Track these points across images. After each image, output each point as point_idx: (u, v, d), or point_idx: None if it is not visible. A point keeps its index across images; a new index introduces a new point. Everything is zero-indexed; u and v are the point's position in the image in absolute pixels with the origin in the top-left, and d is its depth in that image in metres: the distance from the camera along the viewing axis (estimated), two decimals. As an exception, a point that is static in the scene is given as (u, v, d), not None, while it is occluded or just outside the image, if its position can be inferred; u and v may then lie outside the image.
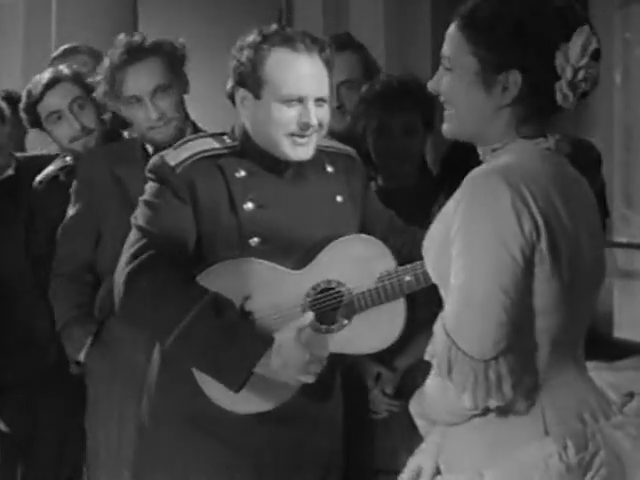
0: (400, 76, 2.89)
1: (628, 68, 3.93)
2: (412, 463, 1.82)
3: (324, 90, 2.23)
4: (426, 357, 1.63)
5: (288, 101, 2.19)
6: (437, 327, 1.60)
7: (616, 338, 3.85)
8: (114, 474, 2.79)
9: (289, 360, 2.08)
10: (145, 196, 2.25)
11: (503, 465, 1.59)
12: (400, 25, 4.45)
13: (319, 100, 2.22)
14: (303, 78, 2.20)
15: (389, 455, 2.74)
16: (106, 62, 2.73)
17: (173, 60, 2.74)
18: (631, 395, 1.65)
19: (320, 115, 2.21)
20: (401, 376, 2.71)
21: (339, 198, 2.33)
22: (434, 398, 1.65)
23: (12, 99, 3.75)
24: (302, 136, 2.21)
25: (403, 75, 2.92)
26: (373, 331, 2.28)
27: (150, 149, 2.79)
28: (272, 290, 2.20)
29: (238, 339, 2.09)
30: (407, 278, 2.24)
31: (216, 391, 2.20)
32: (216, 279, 2.18)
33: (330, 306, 2.25)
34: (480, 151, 1.69)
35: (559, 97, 1.59)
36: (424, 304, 2.72)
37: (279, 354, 2.08)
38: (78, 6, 3.98)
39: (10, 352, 2.88)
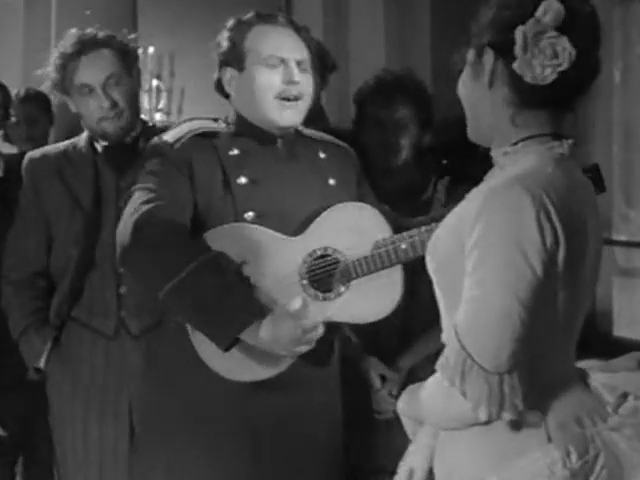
0: (396, 71, 2.91)
1: (628, 67, 3.92)
2: (404, 465, 1.83)
3: (304, 54, 2.32)
4: (437, 367, 1.60)
5: (270, 64, 2.28)
6: (450, 338, 1.58)
7: (616, 336, 3.84)
8: (84, 476, 2.79)
9: (279, 337, 2.10)
10: (145, 168, 2.29)
11: (507, 474, 1.58)
12: (400, 25, 4.45)
13: (300, 64, 2.30)
14: (283, 42, 2.30)
15: (392, 455, 2.74)
16: (55, 53, 2.74)
17: (125, 54, 2.76)
18: (625, 396, 1.64)
19: (304, 81, 2.28)
20: (405, 376, 2.71)
21: (331, 181, 2.38)
22: (438, 405, 1.64)
23: (34, 97, 3.76)
24: (289, 98, 2.26)
25: (399, 70, 2.94)
26: (371, 300, 2.30)
27: (99, 148, 2.79)
28: (269, 256, 2.22)
29: (232, 300, 2.11)
30: (403, 246, 2.26)
31: (213, 358, 2.22)
32: (213, 243, 2.20)
33: (326, 272, 2.27)
34: (492, 154, 1.68)
35: (521, 73, 1.58)
36: (427, 302, 2.73)
37: (269, 329, 2.10)
38: (78, 6, 3.99)
39: (7, 352, 2.87)
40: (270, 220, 2.26)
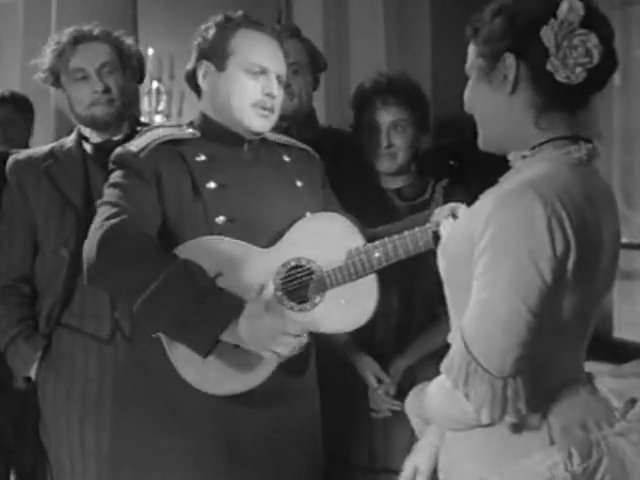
0: (391, 74, 2.92)
1: (628, 69, 3.92)
2: (409, 463, 1.82)
3: (284, 70, 2.35)
4: (441, 369, 1.61)
5: (253, 72, 2.28)
6: (455, 340, 1.58)
7: (616, 338, 3.84)
8: None
9: (258, 329, 2.08)
10: (110, 181, 2.27)
11: (508, 475, 1.59)
12: (400, 25, 4.44)
13: (279, 78, 2.32)
14: (268, 53, 2.31)
15: (390, 453, 2.74)
16: (52, 42, 2.79)
17: (121, 50, 2.80)
18: (633, 402, 1.64)
19: (279, 95, 2.31)
20: (402, 375, 2.72)
21: (299, 183, 2.38)
22: (441, 406, 1.64)
23: (19, 100, 3.77)
24: (265, 108, 2.29)
25: (394, 73, 2.95)
26: (347, 310, 2.29)
27: (88, 148, 2.78)
28: (242, 267, 2.21)
29: (207, 304, 2.09)
30: (376, 254, 2.26)
31: (189, 371, 2.22)
32: (186, 256, 2.18)
33: (301, 283, 2.27)
34: (510, 157, 1.68)
35: (555, 72, 1.58)
36: (423, 303, 2.73)
37: (248, 323, 2.08)
38: (78, 6, 3.98)
39: None
40: (241, 224, 2.26)
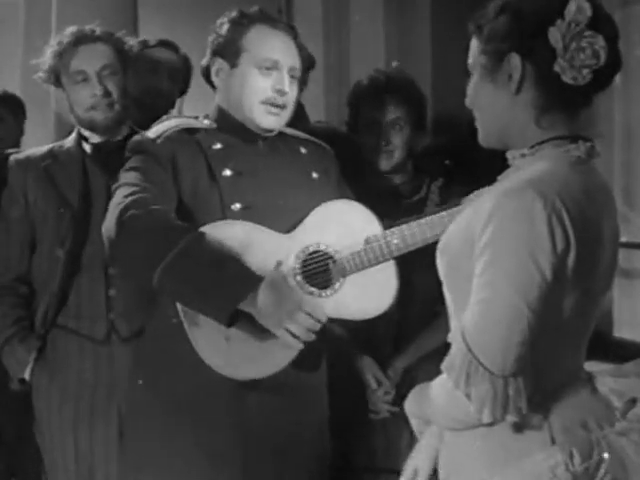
0: (389, 72, 2.93)
1: (628, 69, 3.92)
2: (409, 465, 1.82)
3: (297, 62, 2.35)
4: (442, 368, 1.61)
5: (265, 67, 2.29)
6: (456, 339, 1.58)
7: (616, 337, 3.84)
8: None
9: (277, 301, 2.07)
10: (127, 166, 2.29)
11: (509, 475, 1.59)
12: (400, 25, 4.45)
13: (292, 72, 2.33)
14: (280, 48, 2.32)
15: (388, 455, 2.74)
16: (53, 42, 2.78)
17: (122, 52, 2.79)
18: (634, 401, 1.64)
19: (291, 90, 2.32)
20: (401, 376, 2.72)
21: (315, 175, 2.40)
22: (442, 406, 1.64)
23: (9, 100, 3.76)
24: (275, 105, 2.29)
25: (392, 71, 2.95)
26: (367, 296, 2.31)
27: (87, 148, 2.78)
28: (262, 252, 2.22)
29: (227, 271, 2.10)
30: (395, 240, 2.29)
31: (211, 354, 2.22)
32: None
33: (320, 268, 2.29)
34: (509, 156, 1.68)
35: (562, 74, 1.58)
36: (423, 301, 2.73)
37: (267, 294, 2.07)
38: (78, 6, 3.98)
39: None
40: (257, 212, 2.28)
